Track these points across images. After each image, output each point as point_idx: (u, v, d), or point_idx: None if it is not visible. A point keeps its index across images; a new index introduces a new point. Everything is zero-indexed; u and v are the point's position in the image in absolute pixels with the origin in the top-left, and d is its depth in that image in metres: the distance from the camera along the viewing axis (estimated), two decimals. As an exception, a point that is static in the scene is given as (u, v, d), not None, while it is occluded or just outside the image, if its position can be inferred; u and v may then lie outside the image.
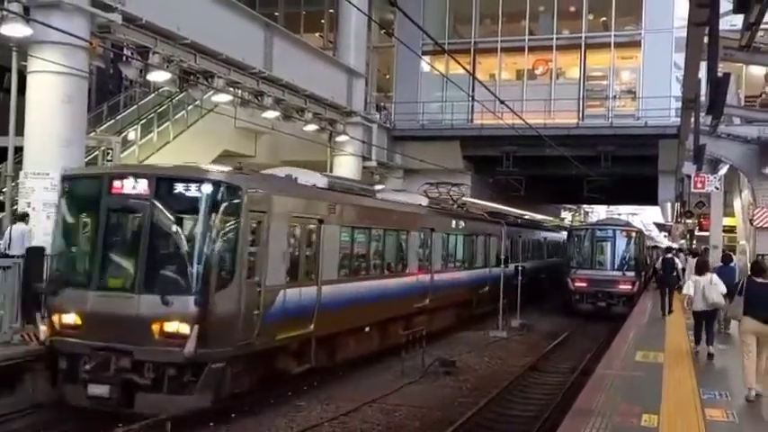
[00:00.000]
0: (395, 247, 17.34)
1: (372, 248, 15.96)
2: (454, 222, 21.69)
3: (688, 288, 13.36)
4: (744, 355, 9.82)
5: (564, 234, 37.98)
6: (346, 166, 24.74)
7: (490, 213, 27.58)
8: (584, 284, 26.65)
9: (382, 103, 30.99)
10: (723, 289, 12.57)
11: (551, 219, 46.61)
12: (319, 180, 14.32)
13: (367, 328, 15.45)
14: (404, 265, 17.50)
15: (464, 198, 28.78)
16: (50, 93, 12.88)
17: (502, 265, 24.50)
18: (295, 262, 12.28)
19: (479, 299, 23.94)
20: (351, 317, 14.45)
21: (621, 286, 26.22)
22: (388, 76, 32.51)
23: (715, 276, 13.06)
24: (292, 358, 12.51)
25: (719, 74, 8.63)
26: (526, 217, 37.65)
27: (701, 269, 13.29)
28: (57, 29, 11.93)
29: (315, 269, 13.04)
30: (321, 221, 13.12)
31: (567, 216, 58.71)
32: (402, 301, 16.96)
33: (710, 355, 12.79)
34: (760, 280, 9.93)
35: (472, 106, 27.91)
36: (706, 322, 13.25)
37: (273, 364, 11.95)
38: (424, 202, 20.10)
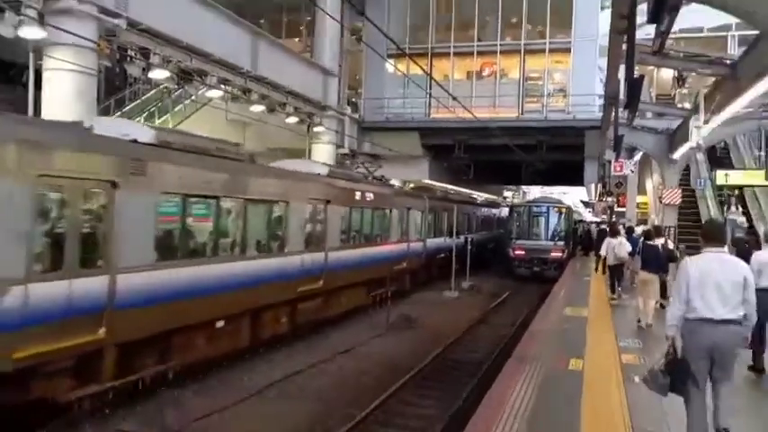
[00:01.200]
0: (266, 223, 12.26)
1: (223, 224, 10.82)
2: (359, 195, 16.93)
3: (604, 248, 15.84)
4: (639, 297, 12.03)
5: (504, 210, 38.40)
6: (322, 152, 24.59)
7: (418, 188, 26.60)
8: (522, 252, 26.98)
9: (353, 99, 30.78)
10: (629, 248, 14.72)
11: (495, 197, 46.85)
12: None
13: (220, 323, 10.55)
14: (281, 244, 12.61)
15: (425, 181, 28.87)
16: (64, 88, 12.59)
17: (453, 237, 24.67)
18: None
19: (394, 275, 19.12)
20: (185, 312, 9.49)
21: (553, 254, 26.58)
22: (357, 76, 32.25)
23: (623, 239, 15.27)
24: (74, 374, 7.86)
25: (635, 75, 8.70)
26: (473, 195, 37.83)
27: (614, 233, 14.92)
28: (69, 32, 11.67)
29: (105, 252, 8.11)
30: (114, 185, 8.15)
31: (509, 195, 59.17)
32: (281, 286, 12.36)
33: (616, 296, 14.86)
34: (650, 243, 12.24)
35: (429, 102, 27.87)
36: (617, 273, 15.33)
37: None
38: (323, 170, 15.63)
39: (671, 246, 12.09)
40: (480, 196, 40.03)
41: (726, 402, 5.45)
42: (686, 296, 5.43)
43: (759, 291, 5.85)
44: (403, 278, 20.77)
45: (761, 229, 20.09)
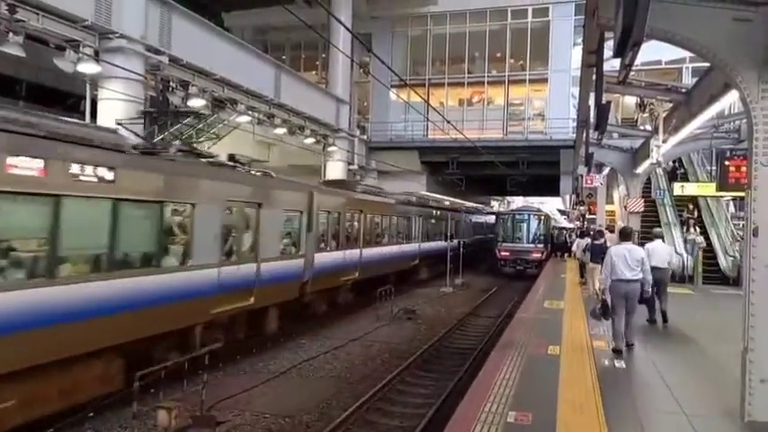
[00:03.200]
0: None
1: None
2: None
3: (575, 246, 18.17)
4: (590, 278, 14.37)
5: (492, 217, 38.29)
6: (335, 169, 24.65)
7: (419, 198, 25.75)
8: (507, 254, 26.97)
9: (362, 123, 30.88)
10: (582, 246, 16.68)
11: (483, 206, 46.72)
12: None
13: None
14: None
15: (422, 192, 28.83)
16: (115, 115, 12.68)
17: (448, 241, 24.66)
18: None
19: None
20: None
21: (534, 255, 26.57)
22: (366, 103, 32.36)
23: (588, 239, 16.26)
24: None
25: (603, 102, 8.71)
26: (466, 205, 37.75)
27: (582, 235, 15.18)
28: (120, 67, 11.77)
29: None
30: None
31: (495, 204, 59.00)
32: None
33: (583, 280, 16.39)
34: (596, 242, 14.31)
35: (427, 125, 27.95)
36: (582, 265, 17.26)
37: None
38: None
39: (609, 243, 13.11)
40: (471, 205, 39.94)
41: (631, 328, 8.53)
42: (610, 268, 8.28)
43: (652, 268, 8.80)
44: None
45: (713, 234, 20.06)
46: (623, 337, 8.37)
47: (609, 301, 8.27)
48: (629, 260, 8.19)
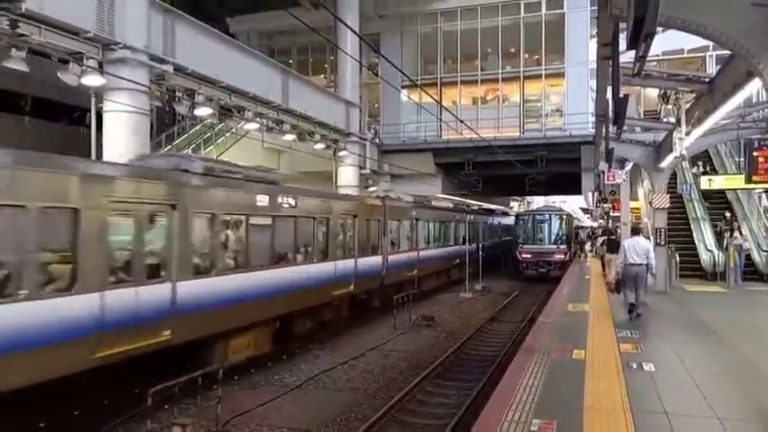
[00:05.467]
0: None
1: None
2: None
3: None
4: (608, 268, 16.78)
5: (512, 219, 38.12)
6: (347, 174, 24.74)
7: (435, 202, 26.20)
8: (529, 256, 26.82)
9: (372, 126, 30.96)
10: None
11: (502, 207, 46.53)
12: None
13: None
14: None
15: (438, 195, 28.81)
16: (121, 127, 12.84)
17: (467, 244, 24.62)
18: None
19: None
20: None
21: (557, 256, 26.40)
22: (376, 105, 32.44)
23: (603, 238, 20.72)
24: None
25: (621, 95, 8.65)
26: (483, 206, 37.64)
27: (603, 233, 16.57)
28: (124, 78, 11.95)
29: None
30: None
31: (514, 205, 58.72)
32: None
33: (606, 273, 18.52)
34: (612, 237, 17.68)
35: (440, 126, 27.92)
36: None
37: None
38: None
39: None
40: (489, 207, 39.83)
41: (640, 298, 11.43)
42: (624, 256, 11.53)
43: (631, 264, 11.50)
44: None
45: (744, 229, 19.79)
46: (631, 302, 11.48)
47: (621, 276, 11.71)
48: (637, 249, 11.49)
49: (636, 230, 12.48)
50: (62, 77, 11.88)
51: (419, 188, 26.67)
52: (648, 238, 14.52)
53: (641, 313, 11.34)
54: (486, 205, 38.73)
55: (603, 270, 20.42)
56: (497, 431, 5.35)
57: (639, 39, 3.91)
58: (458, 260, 24.36)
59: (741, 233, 18.39)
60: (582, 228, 41.25)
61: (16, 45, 10.75)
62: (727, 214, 19.19)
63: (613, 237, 17.52)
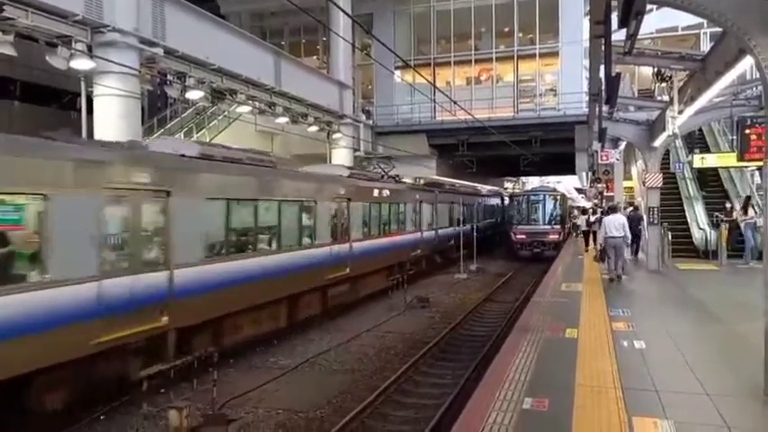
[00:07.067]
0: None
1: None
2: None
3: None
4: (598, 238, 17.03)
5: (506, 199, 38.17)
6: (341, 156, 24.65)
7: (428, 184, 26.09)
8: (523, 236, 26.88)
9: (366, 108, 30.84)
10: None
11: (496, 188, 46.55)
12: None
13: None
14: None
15: (433, 176, 28.79)
16: (112, 111, 12.77)
17: (461, 225, 24.64)
18: None
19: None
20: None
21: (551, 236, 26.46)
22: (369, 87, 32.27)
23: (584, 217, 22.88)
24: None
25: (614, 74, 8.62)
26: (477, 187, 37.64)
27: (607, 213, 17.39)
28: (114, 62, 11.82)
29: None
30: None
31: (509, 185, 58.78)
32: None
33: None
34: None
35: (434, 107, 27.79)
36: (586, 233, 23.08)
37: None
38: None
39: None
40: (483, 188, 39.85)
41: (619, 266, 13.72)
42: (605, 230, 13.74)
43: (609, 237, 13.71)
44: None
45: (736, 204, 19.79)
46: (615, 270, 13.70)
47: (603, 246, 14.25)
48: (615, 224, 13.61)
49: (613, 209, 15.01)
50: (51, 61, 11.77)
51: (413, 170, 26.66)
52: (628, 217, 16.01)
53: (620, 275, 13.72)
54: (480, 186, 38.73)
55: (586, 247, 22.65)
56: (490, 409, 5.40)
57: (630, 17, 3.89)
58: (452, 242, 24.20)
59: (755, 210, 17.73)
60: (577, 207, 41.35)
61: (3, 29, 10.61)
62: (728, 205, 18.99)
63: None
